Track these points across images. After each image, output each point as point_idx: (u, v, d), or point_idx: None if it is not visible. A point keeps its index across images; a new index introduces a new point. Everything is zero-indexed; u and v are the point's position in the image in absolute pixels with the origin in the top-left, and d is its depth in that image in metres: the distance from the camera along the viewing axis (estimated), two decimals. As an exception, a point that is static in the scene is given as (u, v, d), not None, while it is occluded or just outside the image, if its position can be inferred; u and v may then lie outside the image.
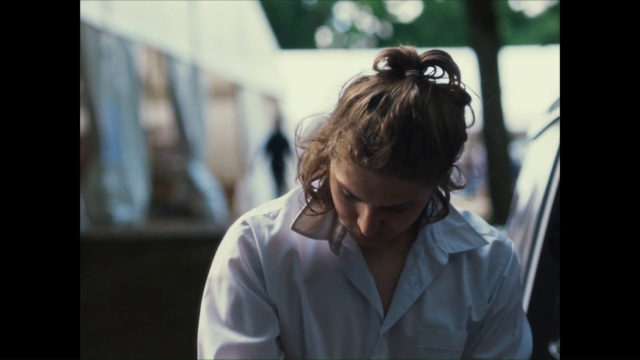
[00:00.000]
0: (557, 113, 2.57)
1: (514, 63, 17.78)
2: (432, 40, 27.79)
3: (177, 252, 7.07)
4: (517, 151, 14.51)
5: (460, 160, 1.81)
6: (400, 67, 1.74)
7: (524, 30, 28.17)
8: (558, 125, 2.48)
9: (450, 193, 1.86)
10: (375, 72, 1.77)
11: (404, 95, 1.70)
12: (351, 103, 1.73)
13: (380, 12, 30.94)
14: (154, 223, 9.57)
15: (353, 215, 1.78)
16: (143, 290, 6.94)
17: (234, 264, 1.85)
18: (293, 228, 1.85)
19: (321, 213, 1.85)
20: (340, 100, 1.77)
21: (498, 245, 1.93)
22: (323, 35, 33.30)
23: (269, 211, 1.89)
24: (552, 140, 2.61)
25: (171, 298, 6.79)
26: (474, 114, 1.78)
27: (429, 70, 1.75)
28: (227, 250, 1.87)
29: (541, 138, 2.88)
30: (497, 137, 10.67)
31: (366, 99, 1.71)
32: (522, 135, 11.07)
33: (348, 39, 32.60)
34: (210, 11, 11.40)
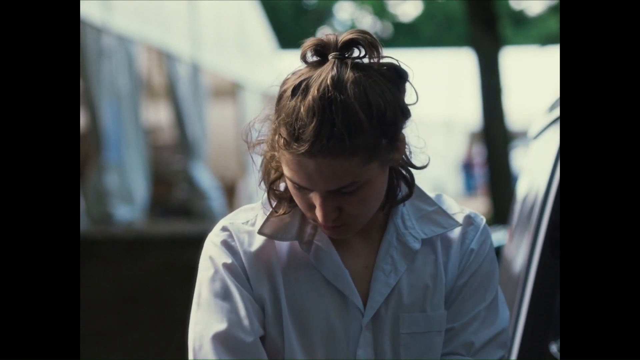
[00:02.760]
0: (557, 113, 2.57)
1: (514, 63, 17.76)
2: (432, 40, 27.76)
3: (178, 252, 7.06)
4: (517, 151, 14.48)
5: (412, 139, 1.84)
6: (323, 54, 1.80)
7: (524, 30, 28.12)
8: (558, 125, 2.48)
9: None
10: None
11: (322, 77, 1.75)
12: (280, 97, 1.80)
13: (380, 11, 30.90)
14: (155, 223, 9.54)
15: (311, 208, 1.81)
16: (143, 290, 6.93)
17: (224, 265, 1.87)
18: (260, 232, 1.87)
19: (284, 213, 1.87)
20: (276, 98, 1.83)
21: (469, 221, 1.94)
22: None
23: (246, 219, 1.91)
24: (552, 140, 2.61)
25: (171, 298, 6.78)
26: (415, 90, 1.82)
27: (354, 52, 1.80)
28: (213, 254, 1.89)
29: (541, 138, 2.88)
30: (497, 137, 10.66)
31: (290, 89, 1.77)
32: (522, 135, 11.06)
33: (348, 38, 32.46)
34: (210, 11, 11.39)
